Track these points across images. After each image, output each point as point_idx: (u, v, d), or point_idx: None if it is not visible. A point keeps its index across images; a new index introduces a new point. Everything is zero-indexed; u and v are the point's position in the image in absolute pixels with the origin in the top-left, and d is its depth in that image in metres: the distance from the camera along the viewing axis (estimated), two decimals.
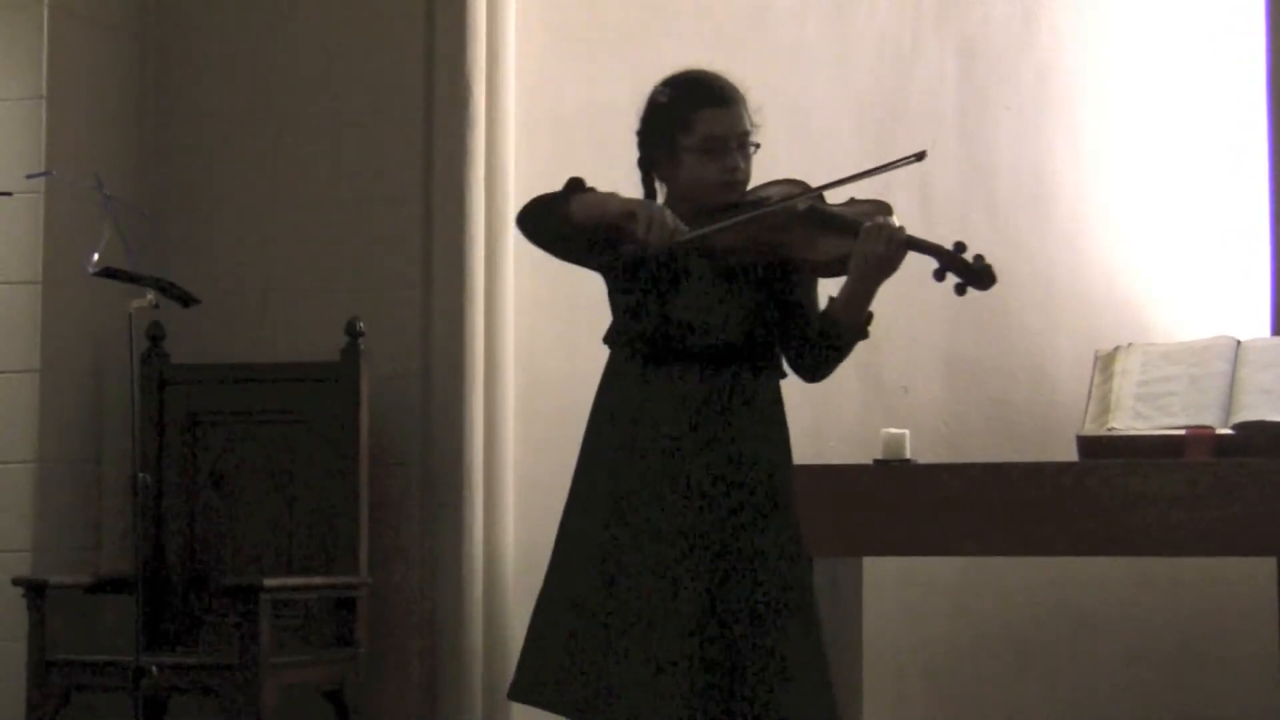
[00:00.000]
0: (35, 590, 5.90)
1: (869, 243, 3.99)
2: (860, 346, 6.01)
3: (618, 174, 6.43)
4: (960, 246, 4.05)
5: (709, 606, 3.96)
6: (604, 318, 6.36)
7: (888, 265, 4.01)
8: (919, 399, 6.18)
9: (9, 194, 5.94)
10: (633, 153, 6.44)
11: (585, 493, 4.10)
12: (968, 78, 6.29)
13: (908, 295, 6.18)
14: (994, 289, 6.10)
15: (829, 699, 4.03)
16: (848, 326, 4.09)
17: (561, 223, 4.07)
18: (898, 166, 4.12)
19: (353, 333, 6.24)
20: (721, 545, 4.00)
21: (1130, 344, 5.55)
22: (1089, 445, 5.26)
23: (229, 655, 5.84)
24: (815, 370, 4.20)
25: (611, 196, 4.05)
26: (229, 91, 6.70)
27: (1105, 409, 5.35)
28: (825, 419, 6.23)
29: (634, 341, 4.10)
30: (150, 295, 5.46)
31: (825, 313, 4.10)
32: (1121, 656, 5.99)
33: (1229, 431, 5.15)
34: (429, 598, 6.37)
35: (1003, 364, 6.15)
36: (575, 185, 4.12)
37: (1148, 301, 6.00)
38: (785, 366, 4.19)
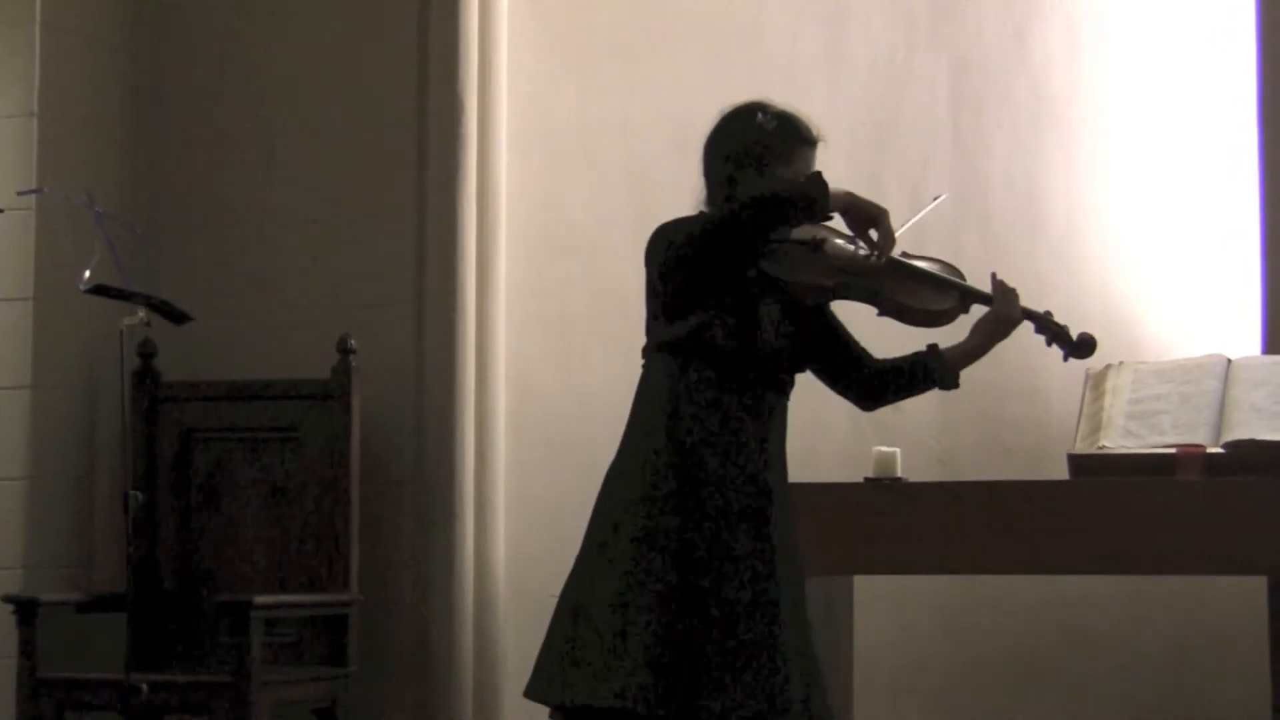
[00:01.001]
0: (26, 608, 5.90)
1: (1008, 307, 4.33)
2: None
3: (609, 191, 6.51)
4: (1049, 314, 4.41)
5: (776, 612, 4.07)
6: (594, 334, 6.43)
7: (1015, 324, 4.36)
8: (910, 417, 6.16)
9: (1, 211, 5.94)
10: (625, 171, 6.52)
11: (652, 503, 4.08)
12: (960, 95, 6.30)
13: None
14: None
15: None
16: (951, 376, 4.36)
17: (824, 203, 4.07)
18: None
19: (344, 350, 6.24)
20: (789, 554, 4.17)
21: (1121, 362, 5.54)
22: (1080, 463, 5.25)
23: (221, 673, 5.84)
24: (881, 398, 4.43)
25: (851, 192, 4.14)
26: (221, 108, 6.70)
27: (1096, 427, 5.34)
28: (816, 437, 6.22)
29: (706, 352, 4.13)
30: (142, 312, 5.46)
31: (931, 357, 4.35)
32: (1114, 673, 5.99)
33: (1220, 450, 5.14)
34: (421, 614, 6.36)
35: (994, 382, 6.12)
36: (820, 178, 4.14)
37: (1139, 320, 6.00)
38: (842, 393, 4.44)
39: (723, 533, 4.06)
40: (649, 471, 4.09)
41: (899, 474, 5.34)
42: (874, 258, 4.13)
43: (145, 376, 6.41)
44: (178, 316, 5.53)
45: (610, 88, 6.56)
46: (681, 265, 4.11)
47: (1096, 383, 5.47)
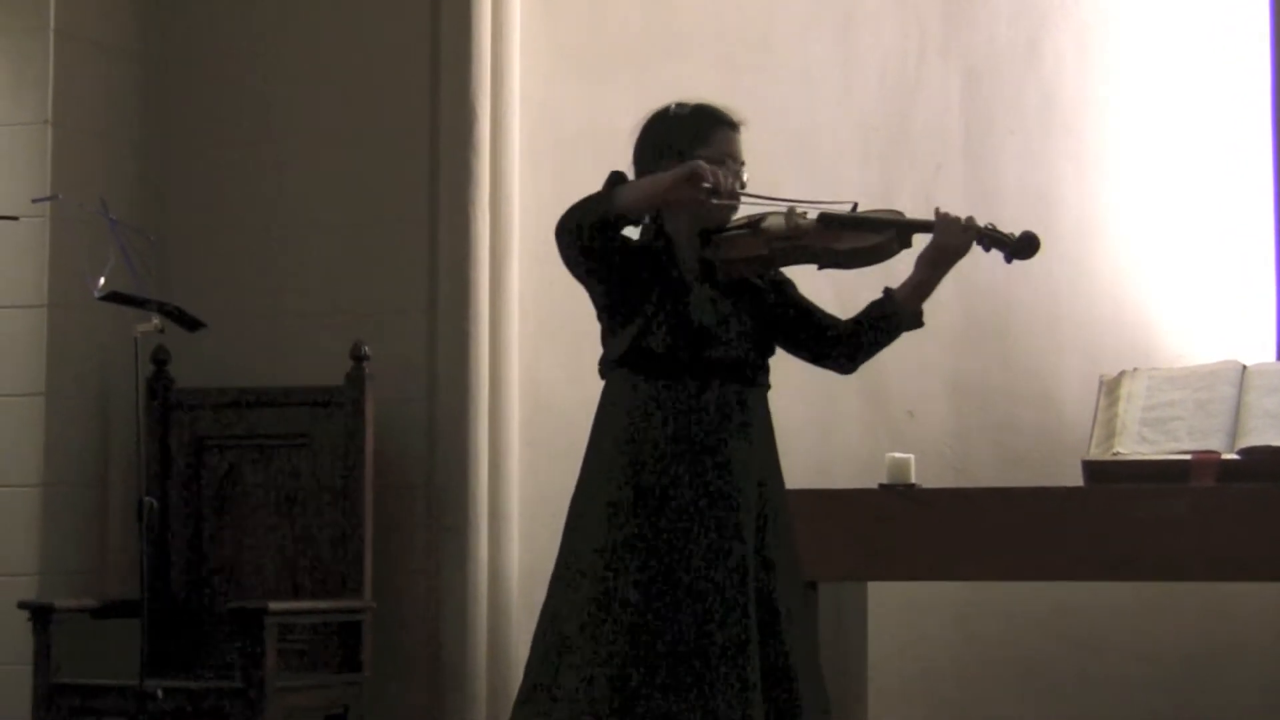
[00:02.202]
0: (41, 614, 5.91)
1: (947, 234, 4.29)
2: (865, 370, 6.02)
3: None
4: (991, 226, 4.35)
5: (746, 620, 4.06)
6: None
7: (961, 252, 4.32)
8: (924, 423, 6.18)
9: (15, 218, 5.95)
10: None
11: (615, 515, 4.12)
12: (972, 101, 6.30)
13: None
14: (1000, 314, 6.17)
15: (825, 699, 4.20)
16: (910, 314, 4.34)
17: (610, 214, 4.13)
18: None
19: (358, 356, 6.25)
20: (752, 559, 4.12)
21: (1136, 368, 5.55)
22: (1094, 469, 5.25)
23: (234, 679, 5.84)
24: (856, 356, 4.41)
25: (654, 176, 4.17)
26: (234, 115, 6.71)
27: (1111, 433, 5.34)
28: (830, 443, 6.23)
29: (648, 359, 4.16)
30: (155, 319, 5.48)
31: (886, 301, 4.35)
32: (1126, 680, 5.98)
33: (1234, 456, 5.15)
34: (433, 621, 6.37)
35: (1008, 388, 6.14)
36: (615, 179, 4.20)
37: (1153, 326, 6.00)
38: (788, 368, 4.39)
39: (685, 545, 4.07)
40: (608, 490, 4.14)
41: (913, 480, 5.34)
42: (722, 198, 4.10)
43: (159, 383, 6.42)
44: (191, 323, 5.54)
45: (622, 94, 6.56)
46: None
47: (1111, 389, 5.47)
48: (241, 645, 5.81)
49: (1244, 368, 5.37)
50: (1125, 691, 5.97)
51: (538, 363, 6.53)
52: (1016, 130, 6.25)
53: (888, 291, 4.37)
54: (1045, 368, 6.11)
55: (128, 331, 5.60)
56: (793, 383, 6.23)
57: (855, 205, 4.30)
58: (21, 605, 5.94)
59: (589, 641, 4.05)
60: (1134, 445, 5.27)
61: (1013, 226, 6.10)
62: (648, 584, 4.04)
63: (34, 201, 6.03)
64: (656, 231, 4.27)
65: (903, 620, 6.07)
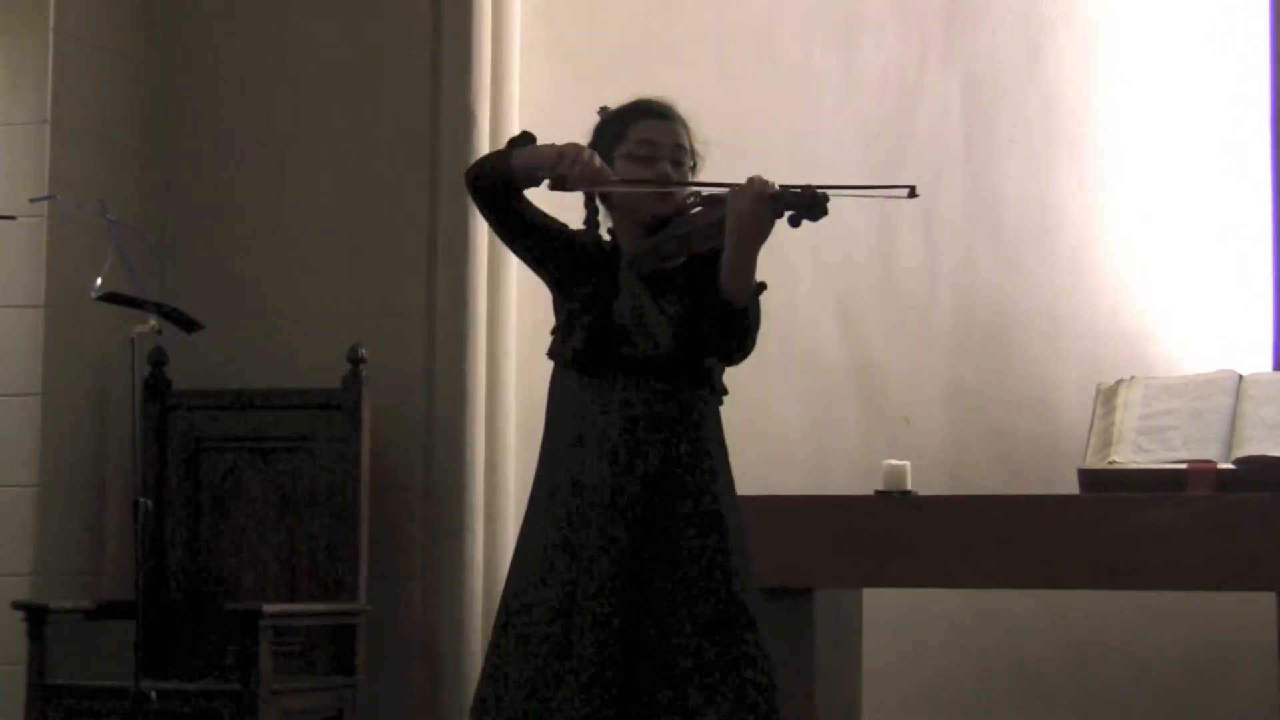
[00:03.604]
0: (36, 615, 5.90)
1: (736, 199, 3.92)
2: (863, 377, 6.04)
3: None
4: (806, 189, 3.92)
5: (636, 622, 3.95)
6: None
7: (756, 220, 3.89)
8: (921, 430, 6.17)
9: (13, 218, 5.93)
10: None
11: (536, 508, 4.11)
12: (973, 109, 6.29)
13: (909, 326, 6.22)
14: (997, 321, 6.16)
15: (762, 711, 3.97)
16: (734, 293, 3.94)
17: (505, 171, 4.10)
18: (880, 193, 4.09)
19: (355, 359, 6.24)
20: (654, 559, 3.98)
21: (1132, 377, 5.54)
22: (1091, 478, 5.25)
23: (229, 681, 5.84)
24: (734, 339, 4.02)
25: (552, 145, 4.08)
26: (233, 116, 6.71)
27: (1107, 442, 5.34)
28: (826, 450, 6.23)
29: (569, 355, 4.14)
30: (153, 320, 5.48)
31: (717, 286, 3.98)
32: (1123, 689, 5.98)
33: (1231, 466, 5.14)
34: (429, 625, 6.36)
35: (1005, 396, 6.14)
36: (521, 139, 4.16)
37: (1150, 335, 6.00)
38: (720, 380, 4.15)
39: (570, 547, 4.00)
40: (535, 488, 4.12)
41: (909, 487, 5.33)
42: (560, 182, 4.03)
43: (156, 384, 6.42)
44: (189, 324, 5.54)
45: (622, 98, 6.50)
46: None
47: (1107, 398, 5.47)
48: (237, 647, 5.81)
49: (1240, 377, 5.37)
50: (1121, 700, 5.97)
51: (535, 366, 6.47)
52: (1017, 138, 6.25)
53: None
54: (1043, 375, 6.11)
55: (125, 332, 5.60)
56: (790, 388, 6.25)
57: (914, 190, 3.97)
58: (16, 606, 5.94)
59: (505, 641, 4.06)
60: (1130, 454, 5.26)
61: (1013, 235, 6.18)
62: (536, 588, 4.02)
63: (32, 201, 6.03)
64: (611, 231, 4.20)
65: (898, 628, 6.07)
